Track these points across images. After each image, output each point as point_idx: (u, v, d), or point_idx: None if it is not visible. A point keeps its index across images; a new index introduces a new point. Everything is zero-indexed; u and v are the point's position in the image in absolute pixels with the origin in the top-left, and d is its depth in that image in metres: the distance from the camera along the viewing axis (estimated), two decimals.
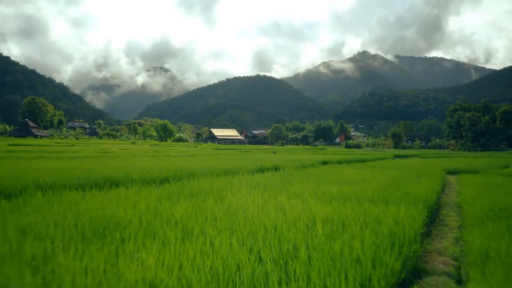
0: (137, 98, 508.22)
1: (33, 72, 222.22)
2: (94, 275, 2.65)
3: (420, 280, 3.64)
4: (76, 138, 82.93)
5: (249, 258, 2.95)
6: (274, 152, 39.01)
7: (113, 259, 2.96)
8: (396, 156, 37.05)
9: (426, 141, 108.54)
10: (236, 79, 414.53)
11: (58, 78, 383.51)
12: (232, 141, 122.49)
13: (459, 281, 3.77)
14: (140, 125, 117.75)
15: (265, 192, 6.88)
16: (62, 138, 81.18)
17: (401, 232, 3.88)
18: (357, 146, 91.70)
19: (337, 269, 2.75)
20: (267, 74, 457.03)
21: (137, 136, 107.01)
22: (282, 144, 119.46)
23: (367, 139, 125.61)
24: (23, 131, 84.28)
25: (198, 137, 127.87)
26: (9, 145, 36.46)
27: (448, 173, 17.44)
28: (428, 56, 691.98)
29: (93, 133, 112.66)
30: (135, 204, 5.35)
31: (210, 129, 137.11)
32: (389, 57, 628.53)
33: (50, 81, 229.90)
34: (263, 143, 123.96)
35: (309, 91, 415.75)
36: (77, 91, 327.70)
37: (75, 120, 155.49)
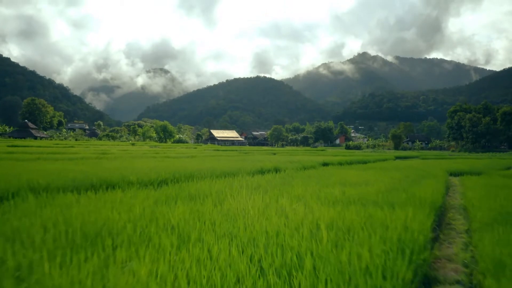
0: (137, 100, 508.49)
1: (33, 73, 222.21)
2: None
3: None
4: (76, 139, 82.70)
5: (249, 269, 2.73)
6: (274, 154, 38.79)
7: (102, 270, 2.74)
8: (397, 158, 36.81)
9: (426, 142, 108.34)
10: (236, 80, 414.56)
11: (58, 79, 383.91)
12: (232, 142, 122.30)
13: None
14: (140, 126, 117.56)
15: (266, 194, 6.66)
16: (62, 139, 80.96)
17: (411, 238, 3.66)
18: (358, 148, 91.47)
19: (345, 282, 2.53)
20: (267, 76, 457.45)
21: (137, 137, 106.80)
22: (282, 146, 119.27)
23: (367, 140, 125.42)
24: (23, 132, 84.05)
25: (198, 138, 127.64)
26: (8, 146, 36.24)
27: (451, 174, 17.22)
28: (428, 57, 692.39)
29: (92, 134, 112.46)
30: (131, 208, 5.13)
31: (210, 130, 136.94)
32: (389, 58, 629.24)
33: (50, 82, 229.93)
34: (263, 145, 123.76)
35: (309, 92, 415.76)
36: (77, 92, 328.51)
37: (75, 121, 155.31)
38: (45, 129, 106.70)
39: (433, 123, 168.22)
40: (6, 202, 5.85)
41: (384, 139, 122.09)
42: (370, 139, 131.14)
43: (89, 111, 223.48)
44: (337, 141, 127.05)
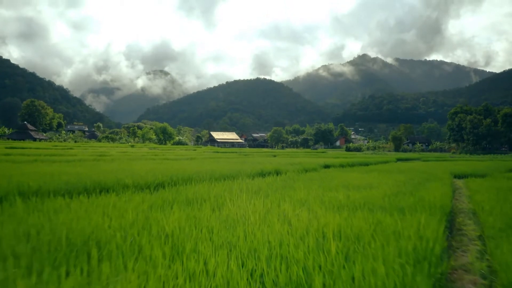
0: (137, 101, 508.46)
1: (33, 75, 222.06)
2: None
3: None
4: (75, 141, 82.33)
5: (250, 287, 2.41)
6: (275, 156, 38.45)
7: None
8: (398, 159, 36.48)
9: (426, 144, 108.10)
10: (236, 82, 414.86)
11: (58, 81, 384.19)
12: (232, 144, 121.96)
13: None
14: (140, 128, 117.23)
15: (267, 199, 6.34)
16: (61, 141, 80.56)
17: (426, 248, 3.34)
18: (358, 149, 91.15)
19: None
20: (267, 77, 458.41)
21: (136, 139, 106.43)
22: (282, 147, 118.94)
23: (368, 142, 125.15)
24: (22, 134, 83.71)
25: (198, 140, 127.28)
26: (6, 148, 35.94)
27: (454, 177, 16.90)
28: (428, 59, 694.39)
29: (92, 136, 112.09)
30: (123, 214, 4.80)
31: (210, 132, 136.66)
32: (389, 60, 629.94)
33: (50, 84, 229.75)
34: (263, 146, 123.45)
35: (309, 94, 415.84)
36: (77, 94, 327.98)
37: (75, 123, 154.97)
38: (44, 130, 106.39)
39: (433, 125, 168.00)
40: None
41: (384, 141, 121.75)
42: (370, 141, 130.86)
43: (89, 113, 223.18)
44: (337, 143, 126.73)
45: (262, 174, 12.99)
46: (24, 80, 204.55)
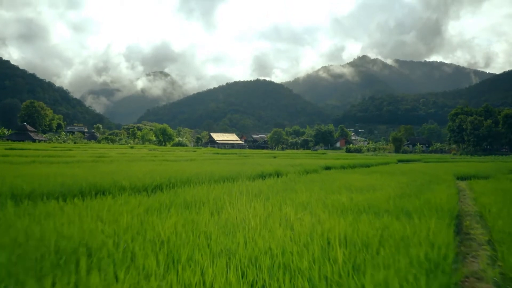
0: (137, 103, 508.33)
1: (32, 76, 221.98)
2: None
3: None
4: (74, 143, 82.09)
5: None
6: (275, 157, 38.24)
7: None
8: (399, 161, 36.27)
9: (427, 145, 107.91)
10: (236, 83, 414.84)
11: (58, 82, 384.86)
12: (232, 145, 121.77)
13: None
14: (139, 129, 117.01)
15: (268, 201, 6.13)
16: (60, 143, 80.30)
17: (439, 256, 3.13)
18: (358, 151, 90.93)
19: None
20: (267, 79, 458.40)
21: (136, 140, 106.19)
22: (282, 149, 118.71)
23: (368, 143, 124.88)
24: (21, 135, 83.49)
25: (198, 142, 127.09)
26: (5, 149, 35.72)
27: (457, 178, 16.68)
28: (428, 60, 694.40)
29: (91, 137, 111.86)
30: (117, 218, 4.59)
31: (209, 134, 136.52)
32: (389, 61, 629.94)
33: (50, 85, 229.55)
34: (263, 148, 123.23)
35: (309, 95, 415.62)
36: (77, 95, 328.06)
37: (74, 124, 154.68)
38: (44, 132, 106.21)
39: (433, 126, 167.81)
40: None
41: (384, 142, 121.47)
42: (370, 142, 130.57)
43: (89, 114, 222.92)
44: (338, 144, 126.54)
45: (263, 176, 12.78)
46: (24, 81, 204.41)
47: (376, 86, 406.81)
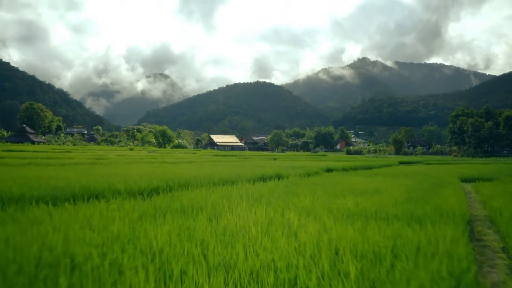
0: (137, 105, 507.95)
1: (32, 78, 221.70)
2: None
3: None
4: (74, 144, 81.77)
5: None
6: (275, 159, 37.92)
7: None
8: (401, 163, 35.99)
9: (427, 147, 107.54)
10: (236, 85, 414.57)
11: (58, 84, 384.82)
12: (232, 147, 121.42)
13: None
14: (139, 131, 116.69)
15: (269, 206, 5.81)
16: (60, 144, 79.98)
17: (461, 270, 2.82)
18: (359, 153, 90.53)
19: None
20: (267, 81, 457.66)
21: (136, 142, 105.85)
22: (283, 151, 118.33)
23: (368, 145, 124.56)
24: (20, 137, 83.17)
25: (198, 143, 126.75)
26: (3, 151, 35.40)
27: (462, 180, 16.36)
28: (428, 62, 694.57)
29: (91, 139, 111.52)
30: (108, 225, 4.27)
31: (209, 136, 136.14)
32: (389, 63, 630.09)
33: (50, 87, 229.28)
34: (263, 150, 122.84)
35: (309, 97, 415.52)
36: (77, 97, 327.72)
37: (74, 126, 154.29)
38: (43, 133, 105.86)
39: (434, 128, 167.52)
40: None
41: (385, 144, 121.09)
42: (371, 144, 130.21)
43: (89, 116, 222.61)
44: (338, 146, 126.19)
45: (263, 179, 12.47)
46: (24, 83, 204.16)
47: (376, 88, 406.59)
